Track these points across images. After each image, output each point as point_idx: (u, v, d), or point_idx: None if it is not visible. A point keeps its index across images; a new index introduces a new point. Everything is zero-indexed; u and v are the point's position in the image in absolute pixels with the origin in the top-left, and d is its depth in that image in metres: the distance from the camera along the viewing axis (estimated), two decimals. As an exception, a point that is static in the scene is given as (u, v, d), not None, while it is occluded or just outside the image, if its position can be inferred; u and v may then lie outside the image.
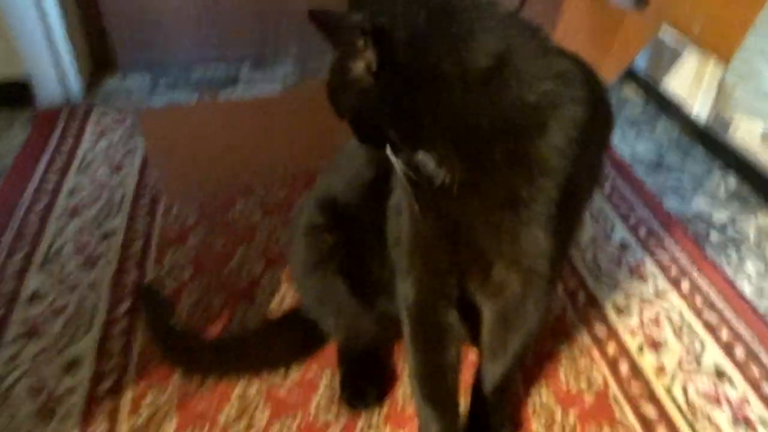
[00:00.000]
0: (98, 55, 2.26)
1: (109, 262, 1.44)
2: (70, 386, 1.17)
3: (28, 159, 1.78)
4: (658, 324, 1.30)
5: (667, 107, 2.05)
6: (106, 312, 1.32)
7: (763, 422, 1.12)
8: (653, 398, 1.16)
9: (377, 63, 0.72)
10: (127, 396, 1.16)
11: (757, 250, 1.51)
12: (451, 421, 0.99)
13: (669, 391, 1.17)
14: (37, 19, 1.94)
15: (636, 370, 1.21)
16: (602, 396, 1.16)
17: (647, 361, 1.23)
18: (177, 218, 1.59)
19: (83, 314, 1.31)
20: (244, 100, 2.14)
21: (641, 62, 2.18)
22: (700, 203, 1.66)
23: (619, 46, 1.87)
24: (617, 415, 1.13)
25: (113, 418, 1.12)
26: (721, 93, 1.48)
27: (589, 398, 1.16)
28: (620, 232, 1.54)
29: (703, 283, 1.39)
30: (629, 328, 1.29)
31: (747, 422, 1.12)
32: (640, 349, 1.25)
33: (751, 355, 1.24)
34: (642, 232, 1.54)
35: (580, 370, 1.21)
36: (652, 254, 1.47)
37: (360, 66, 0.74)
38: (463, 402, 1.04)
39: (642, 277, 1.41)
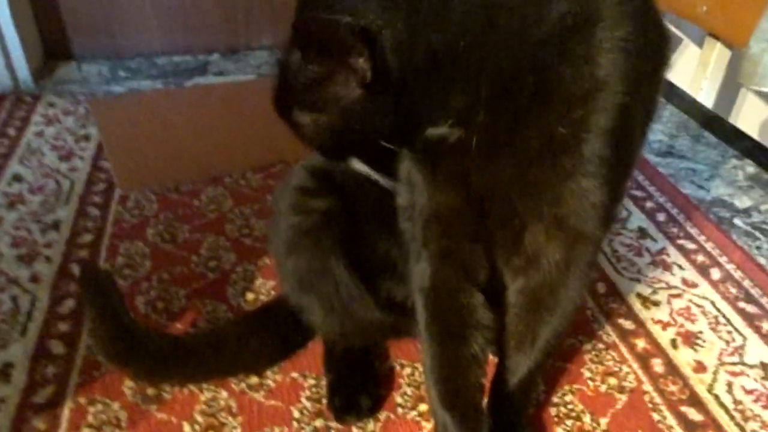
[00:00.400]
0: (52, 43, 2.06)
1: (52, 257, 1.23)
2: (-6, 399, 0.96)
3: (-36, 147, 1.57)
4: (690, 316, 1.14)
5: (672, 94, 1.94)
6: (45, 312, 1.11)
7: (824, 424, 0.96)
8: (695, 398, 0.99)
9: (371, 71, 0.59)
10: (66, 410, 0.94)
11: (787, 237, 1.37)
12: (474, 428, 0.80)
13: (711, 390, 1.01)
14: (-19, 3, 1.75)
15: (671, 367, 1.04)
16: (636, 397, 0.99)
17: (683, 357, 1.06)
18: (134, 209, 1.38)
19: (17, 315, 1.10)
20: (213, 85, 1.96)
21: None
22: (718, 189, 1.52)
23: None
24: (656, 418, 0.96)
25: (48, 436, 0.91)
26: (745, 66, 1.35)
27: (620, 400, 0.98)
28: (638, 219, 1.38)
29: (734, 270, 1.24)
30: (659, 321, 1.13)
31: (806, 424, 0.96)
32: (674, 343, 1.08)
33: (799, 348, 1.08)
34: (660, 217, 1.39)
35: (607, 368, 1.04)
36: (673, 241, 1.32)
37: (349, 80, 0.61)
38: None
39: (666, 266, 1.25)
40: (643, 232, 1.35)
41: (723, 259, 1.27)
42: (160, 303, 1.14)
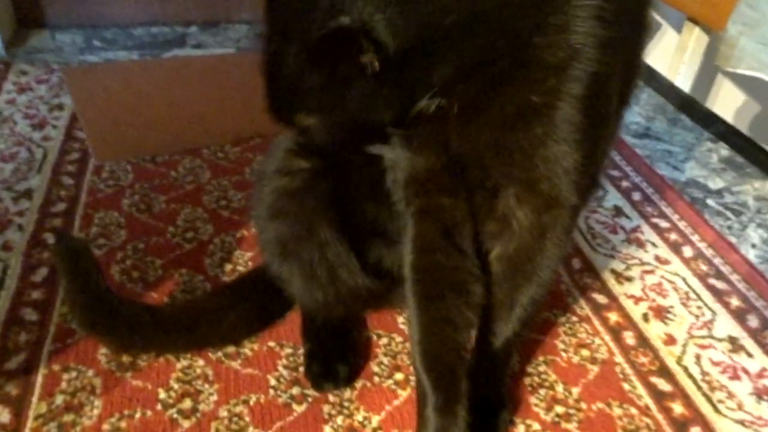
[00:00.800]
0: (25, 10, 2.00)
1: (24, 225, 1.21)
2: (-35, 365, 0.94)
3: (-68, 113, 1.52)
4: (662, 291, 1.16)
5: (650, 77, 1.95)
6: (17, 280, 1.09)
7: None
8: (664, 370, 1.01)
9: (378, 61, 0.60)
10: (40, 376, 0.93)
11: (758, 217, 1.40)
12: (454, 393, 0.79)
13: (680, 361, 1.03)
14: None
15: (642, 340, 1.06)
16: (607, 368, 1.01)
17: (654, 330, 1.08)
18: (109, 179, 1.36)
19: (-12, 283, 1.08)
20: (192, 57, 1.93)
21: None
22: (693, 171, 1.55)
23: None
24: (626, 387, 0.98)
25: (20, 403, 0.89)
26: (722, 48, 1.36)
27: (592, 371, 1.00)
28: (614, 198, 1.40)
29: (705, 248, 1.27)
30: (631, 296, 1.15)
31: (769, 395, 0.99)
32: (645, 317, 1.11)
33: (767, 323, 1.11)
34: (636, 196, 1.41)
35: (580, 341, 1.06)
36: (648, 220, 1.34)
37: (358, 75, 0.62)
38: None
39: (640, 243, 1.27)
40: (618, 211, 1.37)
41: (695, 238, 1.29)
42: (136, 272, 1.13)
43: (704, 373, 1.01)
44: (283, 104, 0.68)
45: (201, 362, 0.97)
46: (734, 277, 1.20)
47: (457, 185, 0.74)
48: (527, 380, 0.98)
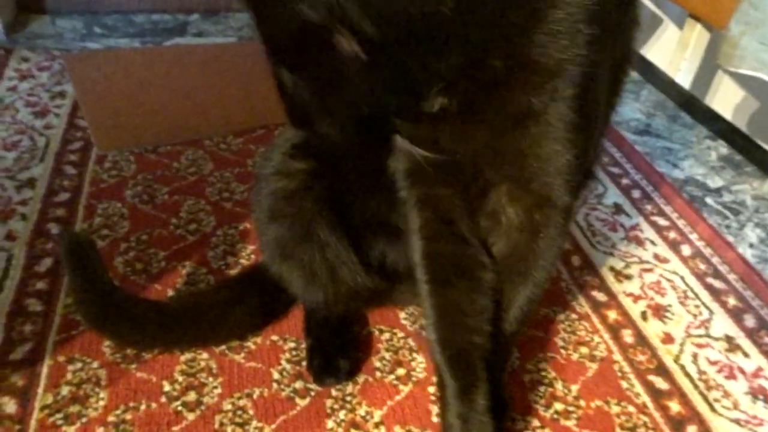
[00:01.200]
0: (24, -4, 1.99)
1: (28, 214, 1.21)
2: (-30, 355, 0.95)
3: (-68, 99, 1.51)
4: (661, 290, 1.18)
5: (650, 74, 1.96)
6: (21, 270, 1.09)
7: (781, 394, 1.01)
8: (662, 368, 1.03)
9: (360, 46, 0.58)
10: (45, 367, 0.94)
11: (756, 216, 1.41)
12: (472, 378, 0.80)
13: (678, 360, 1.05)
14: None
15: (641, 338, 1.08)
16: (606, 366, 1.02)
17: (652, 329, 1.10)
18: (112, 169, 1.36)
19: (-8, 272, 1.09)
20: (193, 46, 1.92)
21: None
22: (692, 169, 1.56)
23: None
24: (624, 385, 0.99)
25: (26, 394, 0.90)
26: (724, 47, 1.37)
27: (591, 368, 1.02)
28: (613, 195, 1.41)
29: (703, 247, 1.28)
30: (630, 294, 1.16)
31: (763, 392, 1.00)
32: (644, 316, 1.12)
33: (763, 323, 1.13)
34: (636, 194, 1.42)
35: (580, 338, 1.07)
36: (647, 217, 1.35)
37: (348, 67, 0.60)
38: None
39: (639, 242, 1.29)
40: (618, 208, 1.38)
41: (693, 236, 1.31)
42: (139, 264, 1.13)
43: (701, 372, 1.03)
44: (299, 117, 0.69)
45: (205, 355, 0.98)
46: (731, 277, 1.22)
47: (452, 178, 0.75)
48: (527, 377, 1.00)
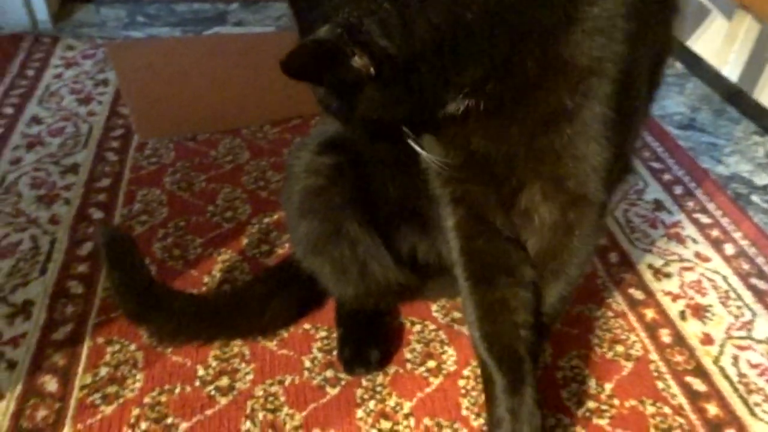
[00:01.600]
0: (70, -16, 2.04)
1: (71, 199, 1.25)
2: (17, 334, 0.98)
3: (-17, 85, 1.57)
4: (701, 289, 1.15)
5: (696, 66, 1.90)
6: (64, 253, 1.13)
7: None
8: (700, 369, 1.00)
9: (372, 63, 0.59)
10: (85, 348, 0.97)
11: (803, 216, 1.36)
12: (520, 373, 0.80)
13: (717, 362, 1.02)
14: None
15: (679, 338, 1.05)
16: (642, 365, 1.00)
17: (691, 329, 1.07)
18: (152, 156, 1.39)
19: (36, 255, 1.12)
20: (232, 35, 1.94)
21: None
22: (738, 165, 1.51)
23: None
24: (660, 386, 0.97)
25: (66, 373, 0.93)
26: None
27: (626, 367, 1.00)
28: (654, 191, 1.38)
29: (748, 247, 1.24)
30: (669, 293, 1.13)
31: (808, 400, 0.97)
32: (683, 315, 1.09)
33: (807, 326, 1.09)
34: (678, 190, 1.38)
35: (615, 336, 1.05)
36: (689, 215, 1.31)
37: (355, 72, 0.60)
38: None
39: (680, 239, 1.25)
40: (659, 204, 1.34)
41: (737, 235, 1.26)
42: (176, 250, 1.16)
43: (741, 375, 1.00)
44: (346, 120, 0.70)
45: (238, 342, 0.99)
46: (777, 278, 1.18)
47: (484, 176, 0.74)
48: (559, 374, 0.98)
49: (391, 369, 0.98)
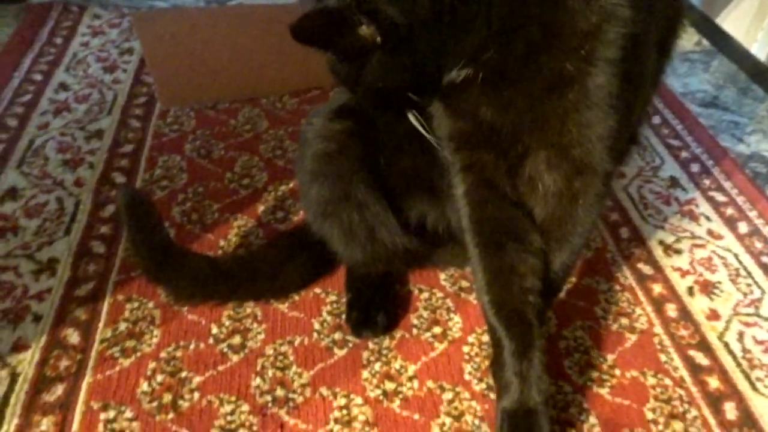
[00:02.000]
0: (98, -46, 2.07)
1: (95, 163, 1.29)
2: (42, 289, 1.03)
3: (14, 50, 1.61)
4: (711, 266, 1.15)
5: (723, 43, 1.86)
6: (87, 214, 1.17)
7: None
8: (704, 344, 1.01)
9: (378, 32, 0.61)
10: (106, 304, 1.02)
11: (822, 197, 1.34)
12: (528, 337, 0.82)
13: (722, 337, 1.02)
14: None
15: (685, 313, 1.06)
16: (646, 338, 1.01)
17: (698, 305, 1.07)
18: (173, 124, 1.42)
19: (62, 216, 1.17)
20: (255, 5, 1.95)
21: (694, -4, 1.98)
22: (759, 144, 1.49)
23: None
24: (663, 359, 0.98)
25: (88, 327, 0.98)
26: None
27: (630, 339, 1.01)
28: (671, 168, 1.37)
29: (762, 226, 1.23)
30: (678, 269, 1.14)
31: (812, 377, 0.98)
32: (690, 291, 1.10)
33: (817, 305, 1.08)
34: (695, 168, 1.37)
35: (621, 309, 1.06)
36: (704, 192, 1.31)
37: (362, 41, 0.63)
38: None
39: (693, 216, 1.25)
40: (674, 182, 1.34)
41: (752, 214, 1.26)
42: (195, 215, 1.19)
43: (745, 351, 1.00)
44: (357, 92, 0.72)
45: (251, 303, 1.03)
46: (790, 257, 1.17)
47: (493, 145, 0.75)
48: (562, 343, 1.00)
49: (398, 333, 1.01)
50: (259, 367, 0.94)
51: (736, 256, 1.17)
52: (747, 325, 1.05)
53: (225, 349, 0.97)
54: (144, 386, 0.91)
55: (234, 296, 1.03)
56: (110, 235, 1.14)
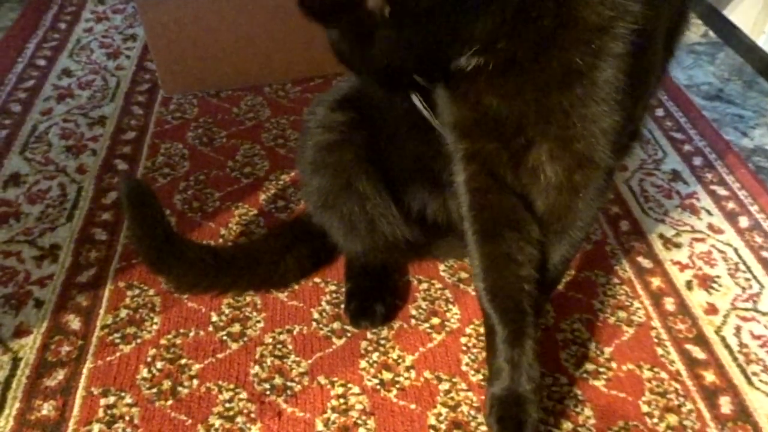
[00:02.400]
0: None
1: (97, 150, 1.30)
2: (44, 275, 1.04)
3: (18, 35, 1.61)
4: (710, 260, 1.15)
5: (730, 36, 1.85)
6: (89, 201, 1.18)
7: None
8: (701, 338, 1.01)
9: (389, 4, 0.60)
10: (107, 291, 1.03)
11: (825, 192, 1.34)
12: (521, 325, 0.82)
13: (719, 331, 1.03)
14: None
15: (683, 307, 1.06)
16: (643, 332, 1.02)
17: (696, 299, 1.08)
18: (176, 111, 1.43)
19: (64, 202, 1.18)
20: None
21: (701, -13, 1.96)
22: (763, 138, 1.48)
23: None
24: (659, 352, 0.99)
25: (89, 314, 0.99)
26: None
27: (627, 333, 1.02)
28: (673, 161, 1.37)
29: (763, 220, 1.23)
30: (677, 263, 1.14)
31: (808, 373, 0.98)
32: (689, 285, 1.10)
33: (816, 301, 1.09)
34: (697, 162, 1.37)
35: (619, 302, 1.06)
36: (706, 186, 1.30)
37: (371, 12, 0.62)
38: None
39: (694, 210, 1.25)
40: (676, 175, 1.33)
41: (754, 208, 1.25)
42: (196, 203, 1.20)
43: (742, 345, 1.01)
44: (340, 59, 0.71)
45: (251, 292, 1.04)
46: (790, 253, 1.17)
47: (497, 134, 0.75)
48: (559, 336, 1.01)
49: (396, 324, 1.01)
50: (257, 356, 0.95)
51: (735, 250, 1.17)
52: (744, 319, 1.05)
53: (224, 337, 0.97)
54: (144, 372, 0.92)
55: (234, 286, 1.04)
56: (112, 221, 1.14)
